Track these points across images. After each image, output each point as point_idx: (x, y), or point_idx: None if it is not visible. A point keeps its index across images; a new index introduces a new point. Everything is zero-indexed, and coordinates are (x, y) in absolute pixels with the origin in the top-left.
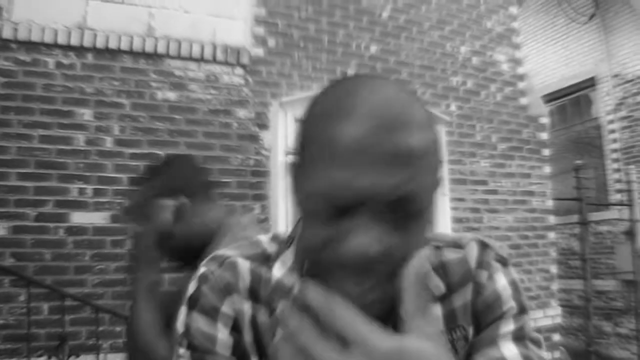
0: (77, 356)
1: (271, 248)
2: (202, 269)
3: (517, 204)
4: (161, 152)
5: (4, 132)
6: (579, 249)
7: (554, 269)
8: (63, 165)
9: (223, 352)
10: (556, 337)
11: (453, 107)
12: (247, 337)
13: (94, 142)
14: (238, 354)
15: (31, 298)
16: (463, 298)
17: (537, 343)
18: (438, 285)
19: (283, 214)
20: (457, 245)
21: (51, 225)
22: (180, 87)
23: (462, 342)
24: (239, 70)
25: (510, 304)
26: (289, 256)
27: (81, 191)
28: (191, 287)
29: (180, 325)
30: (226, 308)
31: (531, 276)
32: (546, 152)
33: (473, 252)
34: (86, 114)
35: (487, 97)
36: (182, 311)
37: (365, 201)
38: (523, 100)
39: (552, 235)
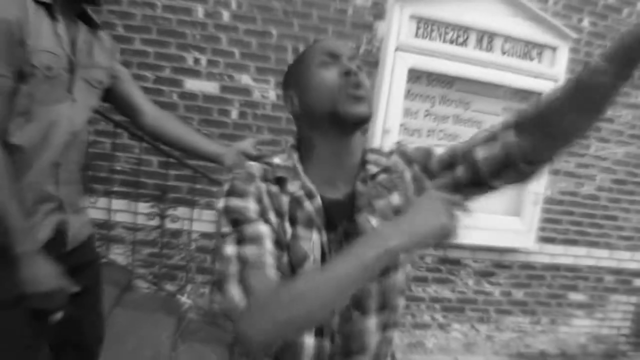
0: (175, 209)
1: (268, 154)
2: (229, 176)
3: (632, 138)
4: (274, 30)
5: (131, 0)
6: None
7: None
8: (182, 35)
9: (254, 215)
10: (638, 283)
11: (585, 23)
12: (266, 202)
13: (212, 15)
14: (264, 216)
15: (143, 151)
16: (388, 162)
17: None
18: (386, 162)
19: (384, 106)
20: (390, 153)
21: (166, 89)
22: None
23: (393, 182)
24: None
25: (425, 150)
26: (285, 154)
27: (196, 60)
28: (226, 185)
29: (220, 210)
30: (251, 188)
31: (628, 216)
32: None
33: (391, 146)
34: None
35: (630, 15)
36: (221, 201)
37: (343, 54)
38: None
39: None
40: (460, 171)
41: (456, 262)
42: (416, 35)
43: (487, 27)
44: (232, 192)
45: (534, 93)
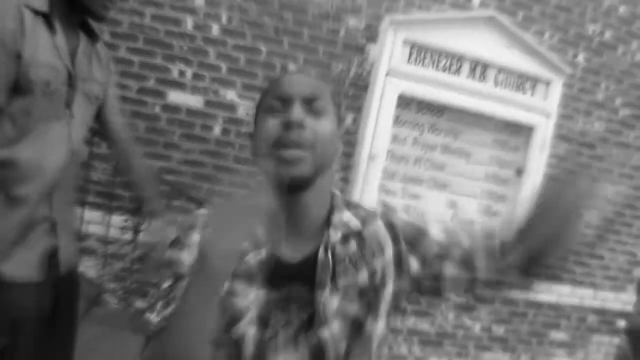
0: (150, 224)
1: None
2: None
3: (623, 178)
4: (264, 47)
5: (120, 7)
6: None
7: None
8: (169, 46)
9: (187, 271)
10: (622, 324)
11: (580, 59)
12: (193, 258)
13: (201, 28)
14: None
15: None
16: (368, 231)
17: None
18: (356, 227)
19: (372, 132)
20: (374, 217)
21: (150, 100)
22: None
23: (365, 259)
24: None
25: (422, 225)
26: None
27: (182, 73)
28: (170, 236)
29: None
30: (190, 240)
31: (614, 256)
32: None
33: (378, 209)
34: None
35: (625, 54)
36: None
37: (297, 97)
38: None
39: None
40: (445, 269)
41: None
42: (409, 61)
43: (481, 57)
44: (173, 243)
45: (525, 127)
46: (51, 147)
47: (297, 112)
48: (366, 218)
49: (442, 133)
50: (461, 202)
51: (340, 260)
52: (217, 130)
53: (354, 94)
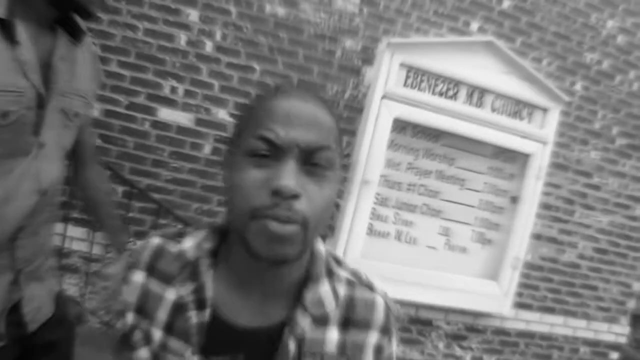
0: (135, 243)
1: (182, 229)
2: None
3: (618, 207)
4: (258, 66)
5: (112, 19)
6: None
7: (637, 287)
8: (161, 61)
9: (129, 310)
10: (614, 356)
11: (578, 87)
12: (131, 299)
13: (194, 44)
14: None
15: (107, 179)
16: (357, 338)
17: None
18: (332, 309)
19: (365, 155)
20: (371, 288)
21: (139, 116)
22: (290, 5)
23: None
24: None
25: None
26: (201, 234)
27: (173, 89)
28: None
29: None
30: (129, 279)
31: (608, 286)
32: None
33: (380, 309)
34: (192, 15)
35: (622, 83)
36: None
37: (294, 147)
38: None
39: None
40: None
41: (427, 323)
42: (405, 84)
43: (478, 83)
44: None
45: (520, 154)
46: (13, 190)
47: (291, 174)
48: (358, 315)
49: (437, 158)
50: (454, 228)
51: (313, 351)
52: (207, 149)
53: (349, 116)
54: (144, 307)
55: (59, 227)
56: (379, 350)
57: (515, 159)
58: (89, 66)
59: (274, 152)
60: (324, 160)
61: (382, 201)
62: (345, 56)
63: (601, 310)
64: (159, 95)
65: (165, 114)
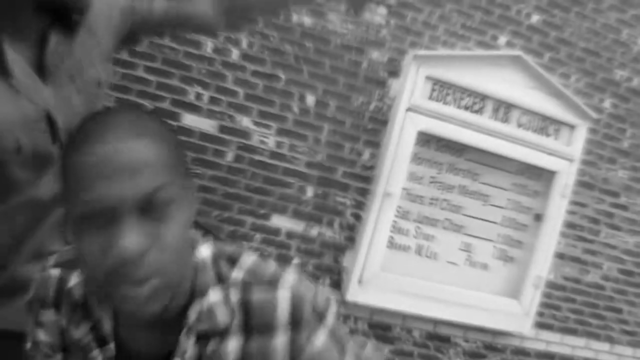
0: None
1: (70, 256)
2: (36, 276)
3: None
4: (283, 75)
5: None
6: None
7: None
8: (187, 67)
9: (47, 350)
10: None
11: (607, 104)
12: (54, 339)
13: (221, 51)
14: (53, 352)
15: None
16: (260, 344)
17: None
18: (224, 320)
19: (388, 167)
20: (272, 284)
21: (164, 121)
22: (318, 15)
23: None
24: (382, 10)
25: (333, 356)
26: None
27: (198, 96)
28: (31, 291)
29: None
30: (43, 318)
31: (633, 309)
32: None
33: (284, 305)
34: None
35: None
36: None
37: (123, 203)
38: None
39: None
40: None
41: (446, 340)
42: (430, 97)
43: (505, 97)
44: (30, 312)
45: (546, 171)
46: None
47: (130, 233)
48: (256, 319)
49: (461, 173)
50: (476, 244)
51: None
52: (230, 156)
53: (373, 128)
54: (68, 347)
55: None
56: (295, 351)
57: (540, 176)
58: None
59: (105, 213)
60: (161, 201)
61: (403, 214)
62: (371, 68)
63: (625, 334)
64: (183, 101)
65: (190, 120)
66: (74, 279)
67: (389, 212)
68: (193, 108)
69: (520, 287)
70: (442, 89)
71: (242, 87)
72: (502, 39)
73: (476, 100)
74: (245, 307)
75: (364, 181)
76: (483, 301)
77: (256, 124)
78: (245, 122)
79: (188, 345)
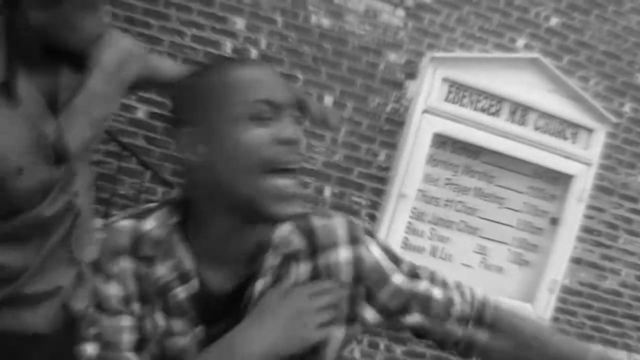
0: None
1: (141, 208)
2: (99, 236)
3: None
4: (301, 75)
5: (162, 25)
6: None
7: None
8: None
9: (116, 306)
10: None
11: (627, 108)
12: (131, 288)
13: (240, 51)
14: (128, 307)
15: (148, 179)
16: (326, 259)
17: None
18: (300, 244)
19: (404, 168)
20: (326, 214)
21: None
22: (336, 16)
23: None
24: (400, 12)
25: (390, 266)
26: (163, 213)
27: None
28: (93, 253)
29: (89, 288)
30: (115, 269)
31: None
32: None
33: (341, 226)
34: (238, 23)
35: None
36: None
37: (287, 105)
38: None
39: None
40: (410, 319)
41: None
42: (446, 99)
43: (522, 100)
44: (97, 269)
45: (563, 175)
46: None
47: (295, 129)
48: (321, 239)
49: (477, 175)
50: (491, 247)
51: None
52: None
53: (390, 129)
54: (145, 294)
55: (99, 223)
56: (358, 262)
57: (557, 180)
58: (110, 70)
59: (272, 113)
60: (299, 113)
61: (418, 216)
62: (389, 69)
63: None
64: None
65: None
66: (151, 223)
67: (404, 213)
68: None
69: (535, 291)
70: (458, 91)
71: None
72: (520, 42)
73: (493, 102)
74: (310, 232)
75: (379, 182)
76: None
77: None
78: None
79: (274, 262)
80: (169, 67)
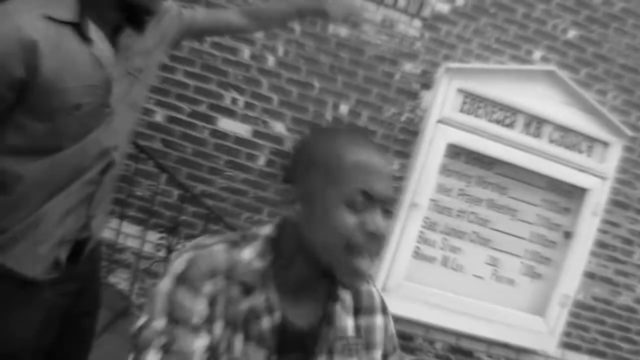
0: (184, 245)
1: (235, 237)
2: (190, 253)
3: None
4: (317, 83)
5: None
6: None
7: None
8: (224, 73)
9: (196, 322)
10: None
11: None
12: (219, 308)
13: (257, 58)
14: (208, 325)
15: (164, 181)
16: (366, 322)
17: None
18: (349, 301)
19: (417, 178)
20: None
21: (200, 124)
22: (353, 26)
23: (359, 347)
24: (416, 23)
25: (396, 342)
26: (259, 244)
27: (234, 101)
28: (179, 266)
29: (161, 292)
30: (208, 287)
31: None
32: None
33: (376, 295)
34: None
35: None
36: (167, 280)
37: (383, 199)
38: None
39: None
40: None
41: (468, 354)
42: (461, 110)
43: (537, 112)
44: (184, 280)
45: (577, 188)
46: (84, 157)
47: (384, 223)
48: (364, 302)
49: (490, 187)
50: (503, 259)
51: (340, 336)
52: (262, 161)
53: (404, 139)
54: (231, 317)
55: (115, 223)
56: (386, 329)
57: (571, 193)
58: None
59: (366, 203)
60: (393, 207)
61: (430, 225)
62: (404, 79)
63: None
64: (220, 106)
65: (225, 123)
66: (249, 253)
67: (416, 222)
68: (229, 112)
69: (546, 304)
70: (473, 102)
71: (276, 94)
72: (537, 54)
73: (507, 114)
74: (357, 293)
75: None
76: (508, 317)
77: (289, 130)
78: (278, 127)
79: (343, 315)
80: (203, 15)
